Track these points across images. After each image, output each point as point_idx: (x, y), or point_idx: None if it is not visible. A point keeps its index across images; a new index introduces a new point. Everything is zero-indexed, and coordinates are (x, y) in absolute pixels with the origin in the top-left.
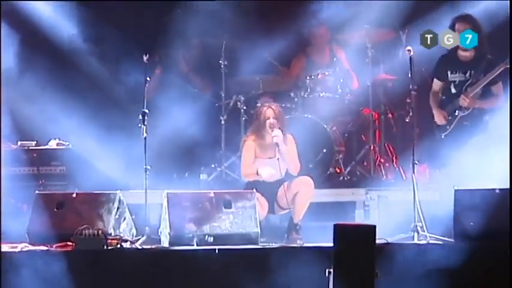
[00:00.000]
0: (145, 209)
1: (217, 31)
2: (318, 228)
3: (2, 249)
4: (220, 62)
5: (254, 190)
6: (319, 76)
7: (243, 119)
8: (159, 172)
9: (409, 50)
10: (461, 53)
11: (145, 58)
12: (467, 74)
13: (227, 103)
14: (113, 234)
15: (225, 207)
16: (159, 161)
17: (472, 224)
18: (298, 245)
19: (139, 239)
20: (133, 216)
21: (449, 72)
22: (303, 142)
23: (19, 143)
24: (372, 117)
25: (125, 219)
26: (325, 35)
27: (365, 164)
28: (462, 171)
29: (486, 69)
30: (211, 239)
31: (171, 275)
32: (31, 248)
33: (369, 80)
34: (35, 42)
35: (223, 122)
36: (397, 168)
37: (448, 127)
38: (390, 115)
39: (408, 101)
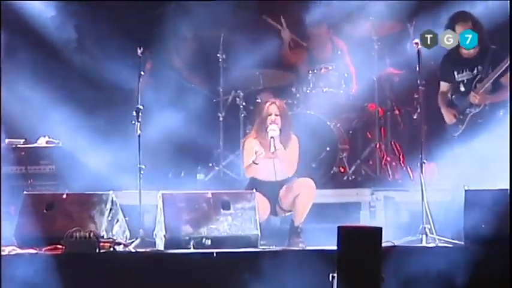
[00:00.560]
0: (140, 210)
1: (214, 23)
2: (321, 231)
3: None
4: (218, 55)
5: (254, 190)
6: (322, 70)
7: (242, 115)
8: (154, 171)
9: (416, 43)
10: (463, 50)
11: (139, 51)
12: (475, 71)
13: (225, 99)
14: (105, 237)
15: (223, 209)
16: (154, 159)
17: (483, 226)
18: (300, 248)
19: (133, 242)
20: (126, 218)
21: (455, 73)
22: (305, 140)
23: (7, 140)
24: (378, 113)
25: (117, 221)
26: (325, 33)
27: (370, 163)
28: (473, 170)
29: (493, 61)
30: (208, 242)
31: (166, 280)
32: (19, 251)
33: (374, 74)
34: (24, 37)
35: (221, 119)
36: (404, 168)
37: (460, 126)
38: (397, 111)
39: (416, 96)
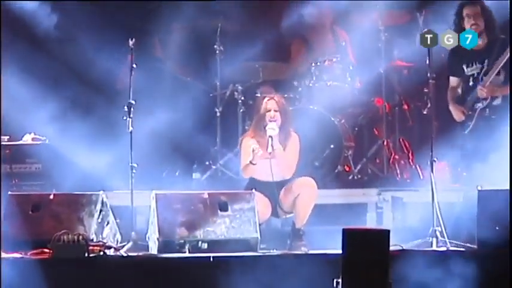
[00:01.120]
0: (131, 211)
1: (210, 13)
2: (325, 233)
3: None
4: (215, 47)
5: (253, 190)
6: (326, 63)
7: (241, 110)
8: (147, 170)
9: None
10: None
11: (130, 43)
12: (485, 64)
13: (223, 93)
14: (95, 240)
15: (220, 210)
16: (147, 157)
17: (497, 228)
18: (302, 252)
19: (124, 245)
20: (117, 220)
21: (465, 67)
22: (308, 137)
23: None
24: (385, 108)
25: (108, 223)
26: (327, 19)
27: (377, 161)
28: (487, 169)
29: (501, 51)
30: (205, 246)
31: (159, 286)
32: (3, 255)
33: (381, 67)
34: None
35: (218, 115)
36: (413, 166)
37: (469, 123)
38: (406, 106)
39: (426, 90)
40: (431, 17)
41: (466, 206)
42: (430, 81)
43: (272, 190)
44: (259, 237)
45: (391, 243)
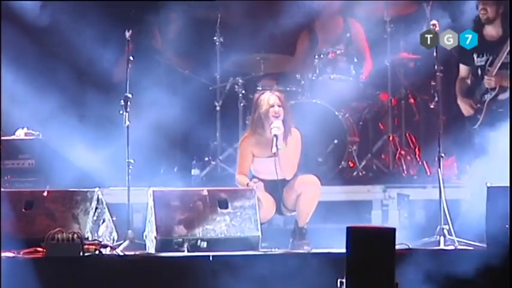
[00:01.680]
0: (128, 209)
1: (210, 3)
2: (328, 232)
3: None
4: (215, 38)
5: (258, 184)
6: (330, 55)
7: (241, 104)
8: (144, 166)
9: (434, 25)
10: (487, 31)
11: (127, 34)
12: (494, 55)
13: (223, 86)
14: (90, 239)
15: (220, 207)
16: (144, 153)
17: (507, 226)
18: (305, 251)
19: (120, 244)
20: (114, 218)
21: (475, 56)
22: (311, 132)
23: None
24: (391, 102)
25: (104, 221)
26: (335, 9)
27: (383, 157)
28: (496, 165)
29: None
30: (204, 245)
31: (157, 286)
32: None
33: (387, 59)
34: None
35: (218, 109)
36: (420, 162)
37: (478, 116)
38: (412, 100)
39: (433, 83)
40: (438, 7)
41: (474, 203)
42: (437, 74)
43: (276, 187)
44: (260, 236)
45: (397, 242)
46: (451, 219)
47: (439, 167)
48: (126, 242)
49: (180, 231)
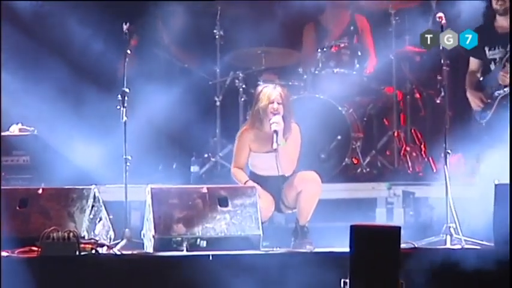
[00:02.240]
0: (126, 207)
1: None
2: (331, 230)
3: None
4: (215, 31)
5: (255, 185)
6: (333, 48)
7: (242, 99)
8: (142, 163)
9: (440, 17)
10: (499, 23)
11: (125, 27)
12: (508, 48)
13: (223, 81)
14: (86, 238)
15: (220, 205)
16: (142, 149)
17: None
18: (308, 251)
19: (118, 243)
20: (111, 216)
21: (487, 49)
22: (314, 127)
23: None
24: (396, 97)
25: (100, 219)
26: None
27: (387, 153)
28: (505, 162)
29: None
30: (204, 244)
31: (155, 286)
32: None
33: (392, 53)
34: None
35: (218, 104)
36: (426, 159)
37: (488, 112)
38: (418, 95)
39: (439, 78)
40: None
41: (482, 201)
42: (444, 68)
43: (275, 184)
44: (261, 235)
45: (402, 241)
46: (457, 217)
47: (446, 164)
48: (124, 241)
49: (179, 229)
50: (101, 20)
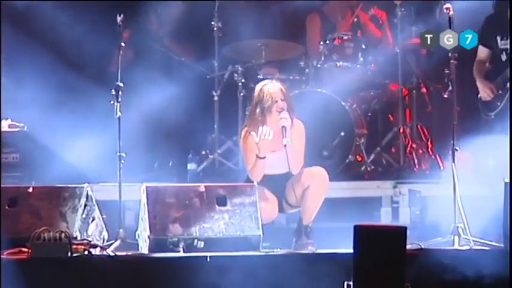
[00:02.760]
0: (120, 206)
1: None
2: (334, 231)
3: None
4: (213, 23)
5: (255, 183)
6: (336, 41)
7: (241, 94)
8: (137, 160)
9: (448, 8)
10: None
11: (119, 19)
12: (509, 47)
13: (221, 75)
14: (78, 238)
15: (218, 205)
16: (137, 146)
17: None
18: (310, 252)
19: (111, 244)
20: (104, 216)
21: (498, 38)
22: (316, 123)
23: None
24: (402, 92)
25: (93, 219)
26: None
27: (393, 150)
28: None
29: None
30: (201, 244)
31: None
32: None
33: (397, 46)
34: None
35: (216, 99)
36: (433, 156)
37: (498, 103)
38: (424, 89)
39: (447, 72)
40: None
41: (491, 200)
42: (452, 61)
43: (278, 183)
44: (261, 235)
45: (408, 242)
46: (466, 217)
47: (453, 161)
48: (118, 242)
49: (175, 230)
50: (93, 12)
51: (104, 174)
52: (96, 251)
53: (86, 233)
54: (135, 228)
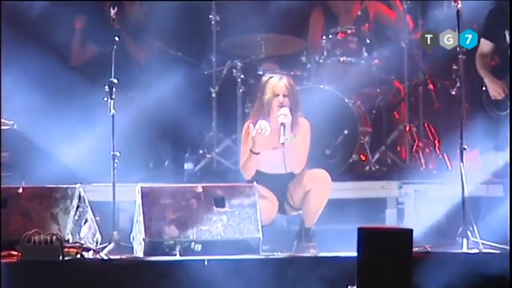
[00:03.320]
0: (114, 208)
1: None
2: (337, 233)
3: None
4: (211, 17)
5: (255, 183)
6: (339, 35)
7: (240, 91)
8: (131, 160)
9: (455, 1)
10: None
11: (112, 12)
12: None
13: (219, 71)
14: (70, 241)
15: (216, 206)
16: (131, 145)
17: None
18: (312, 255)
19: (105, 247)
20: (97, 218)
21: (506, 33)
22: (318, 121)
23: None
24: (408, 88)
25: (86, 221)
26: None
27: (398, 149)
28: None
29: None
30: (198, 247)
31: None
32: None
33: (403, 40)
34: None
35: (214, 95)
36: (440, 155)
37: (508, 103)
38: (431, 86)
39: (455, 67)
40: None
41: (501, 201)
42: (460, 56)
43: (280, 183)
44: (261, 238)
45: (414, 245)
46: (474, 219)
47: (462, 161)
48: (111, 245)
49: (171, 232)
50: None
51: (97, 174)
52: (88, 255)
53: (78, 235)
54: (129, 231)
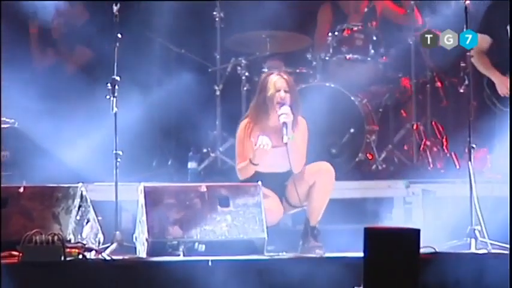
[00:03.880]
0: (116, 207)
1: None
2: (344, 233)
3: None
4: (215, 13)
5: (259, 183)
6: (345, 32)
7: (245, 89)
8: (134, 159)
9: None
10: None
11: (115, 8)
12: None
13: (223, 68)
14: (72, 241)
15: (220, 206)
16: (134, 144)
17: None
18: (317, 256)
19: (107, 247)
20: (99, 218)
21: (508, 28)
22: (324, 120)
23: None
24: (415, 86)
25: (88, 221)
26: None
27: (405, 148)
28: None
29: None
30: (202, 248)
31: None
32: None
33: (410, 37)
34: None
35: (218, 93)
36: (448, 154)
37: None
38: (439, 84)
39: (463, 65)
40: None
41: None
42: (468, 54)
43: (278, 181)
44: (266, 238)
45: (421, 245)
46: (483, 219)
47: (470, 160)
48: (114, 245)
49: (174, 232)
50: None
51: (99, 173)
52: (91, 255)
53: (80, 235)
54: (132, 231)
